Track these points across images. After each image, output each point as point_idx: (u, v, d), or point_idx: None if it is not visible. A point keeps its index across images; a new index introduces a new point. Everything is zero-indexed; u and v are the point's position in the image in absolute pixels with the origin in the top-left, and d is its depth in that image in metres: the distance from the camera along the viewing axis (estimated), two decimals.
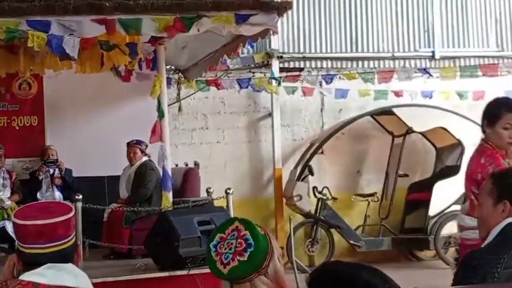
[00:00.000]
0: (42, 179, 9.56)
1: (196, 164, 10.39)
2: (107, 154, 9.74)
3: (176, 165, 9.88)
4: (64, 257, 2.56)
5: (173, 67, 10.43)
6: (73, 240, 2.62)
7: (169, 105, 8.90)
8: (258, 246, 2.39)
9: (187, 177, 9.69)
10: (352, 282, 1.82)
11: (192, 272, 6.75)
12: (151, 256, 7.10)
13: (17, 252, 2.60)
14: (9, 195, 9.09)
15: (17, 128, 10.29)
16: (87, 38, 6.77)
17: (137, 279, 6.57)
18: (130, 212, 8.24)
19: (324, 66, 12.18)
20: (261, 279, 2.41)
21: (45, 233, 2.52)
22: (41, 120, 10.36)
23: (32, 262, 2.53)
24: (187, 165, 10.37)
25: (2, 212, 8.24)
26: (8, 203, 8.44)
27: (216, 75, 11.31)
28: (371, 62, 12.40)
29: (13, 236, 7.92)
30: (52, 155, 9.66)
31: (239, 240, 2.41)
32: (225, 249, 2.40)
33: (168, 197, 8.10)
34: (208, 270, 6.56)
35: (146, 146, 8.80)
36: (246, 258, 2.38)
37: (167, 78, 9.24)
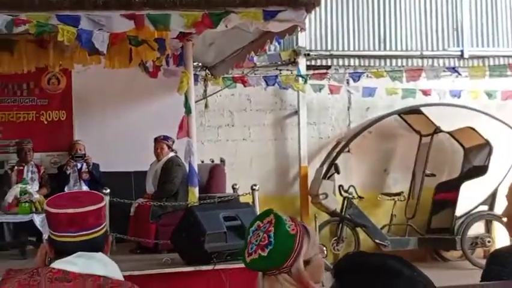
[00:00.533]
0: (70, 173, 9.65)
1: (222, 161, 10.42)
2: (134, 149, 9.78)
3: (202, 162, 9.90)
4: (94, 246, 2.57)
5: (200, 64, 10.46)
6: (104, 229, 2.63)
7: (195, 102, 8.92)
8: (278, 246, 2.37)
9: (213, 174, 9.72)
10: (380, 270, 1.81)
11: (218, 267, 6.76)
12: (177, 251, 7.12)
13: (48, 240, 2.62)
14: (37, 188, 9.16)
15: (46, 122, 10.40)
16: (116, 33, 6.80)
17: (163, 273, 6.59)
18: (157, 207, 8.27)
19: (352, 64, 12.15)
20: (284, 276, 2.40)
21: (76, 221, 2.53)
22: (69, 115, 10.45)
23: (63, 250, 2.55)
24: (213, 161, 10.39)
25: (30, 206, 8.28)
26: (37, 196, 8.49)
27: (243, 72, 11.31)
28: (399, 61, 12.35)
29: (41, 229, 8.04)
30: (80, 149, 9.74)
31: (265, 234, 2.40)
32: (254, 239, 2.41)
33: (194, 193, 8.14)
34: (233, 266, 6.61)
35: (173, 142, 8.83)
36: (265, 254, 2.38)
37: (194, 75, 9.26)
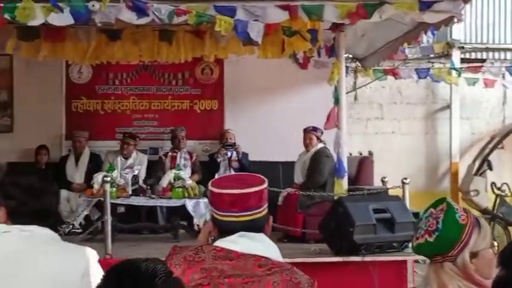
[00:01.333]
0: (220, 161, 9.86)
1: (370, 154, 10.34)
2: (283, 140, 9.89)
3: (350, 154, 9.86)
4: (256, 226, 2.62)
5: (350, 55, 10.40)
6: (265, 211, 2.68)
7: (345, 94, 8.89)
8: (445, 232, 2.36)
9: (361, 166, 9.70)
10: None
11: (366, 259, 6.72)
12: (325, 241, 7.14)
13: (212, 219, 2.70)
14: (189, 175, 9.42)
15: (199, 111, 10.71)
16: (270, 23, 6.89)
17: (311, 262, 6.61)
18: (305, 197, 8.31)
19: (508, 57, 11.72)
20: (449, 265, 2.38)
21: (239, 202, 2.60)
22: (221, 104, 10.71)
23: (226, 229, 2.62)
24: (361, 154, 10.33)
25: (183, 191, 8.53)
26: (189, 182, 8.74)
27: (394, 65, 11.15)
28: None
29: (193, 214, 8.29)
30: (230, 138, 9.94)
31: (434, 220, 2.40)
32: (424, 224, 2.41)
33: (342, 184, 8.13)
34: (382, 259, 6.52)
35: (322, 133, 8.85)
36: (431, 240, 2.38)
37: (345, 66, 9.23)
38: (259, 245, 2.61)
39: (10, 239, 2.59)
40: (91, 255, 2.71)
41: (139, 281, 1.68)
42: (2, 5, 6.46)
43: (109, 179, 7.42)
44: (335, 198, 7.79)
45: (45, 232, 2.66)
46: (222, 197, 2.63)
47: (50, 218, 2.69)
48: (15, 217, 2.62)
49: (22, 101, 10.43)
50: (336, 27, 7.96)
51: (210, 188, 2.68)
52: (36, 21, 6.67)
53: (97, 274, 2.65)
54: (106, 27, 7.90)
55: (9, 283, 2.49)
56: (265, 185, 2.69)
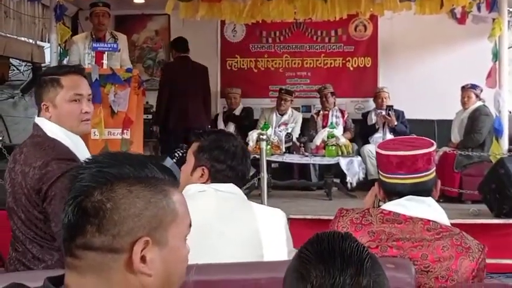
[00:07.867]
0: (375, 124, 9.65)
1: None
2: (439, 97, 9.67)
3: (511, 113, 9.46)
4: (424, 189, 2.60)
5: None
6: (433, 174, 2.64)
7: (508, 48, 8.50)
8: None
9: None
10: None
11: None
12: (484, 202, 6.94)
13: (378, 181, 2.69)
14: (341, 132, 9.37)
15: (351, 68, 10.62)
16: None
17: (468, 223, 6.42)
18: (462, 157, 8.10)
19: None
20: None
21: (406, 164, 2.58)
22: (375, 62, 10.56)
23: (392, 192, 2.61)
24: None
25: (336, 149, 8.50)
26: (343, 140, 8.70)
27: None
28: None
29: (346, 172, 8.28)
30: (385, 98, 9.72)
31: None
32: None
33: (501, 144, 7.86)
34: None
35: (481, 91, 8.56)
36: None
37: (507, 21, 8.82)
38: (428, 208, 2.59)
39: (208, 197, 2.66)
40: (282, 214, 2.80)
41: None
42: None
43: (264, 137, 7.52)
44: (494, 158, 7.55)
45: (238, 191, 2.74)
46: (388, 159, 2.62)
47: (244, 180, 2.85)
48: (218, 178, 2.72)
49: None
50: None
51: (377, 150, 2.67)
52: None
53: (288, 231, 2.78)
54: None
55: (215, 239, 2.57)
56: (434, 147, 2.65)
